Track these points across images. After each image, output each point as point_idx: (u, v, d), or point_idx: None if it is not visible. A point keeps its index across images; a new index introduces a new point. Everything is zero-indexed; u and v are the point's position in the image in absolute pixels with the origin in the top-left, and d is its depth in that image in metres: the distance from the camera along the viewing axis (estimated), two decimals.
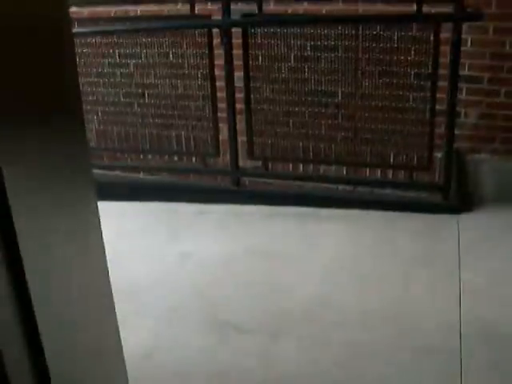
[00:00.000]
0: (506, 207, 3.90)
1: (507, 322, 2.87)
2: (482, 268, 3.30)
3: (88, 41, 4.25)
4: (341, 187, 4.32)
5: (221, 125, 4.21)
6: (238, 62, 4.00)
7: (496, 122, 4.13)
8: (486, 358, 2.65)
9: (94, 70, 4.34)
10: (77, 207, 1.82)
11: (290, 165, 4.43)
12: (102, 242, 1.95)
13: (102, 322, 2.03)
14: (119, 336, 2.08)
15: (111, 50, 4.26)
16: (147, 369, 2.65)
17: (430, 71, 3.73)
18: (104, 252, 1.97)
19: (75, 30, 4.00)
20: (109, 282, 1.98)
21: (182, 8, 4.29)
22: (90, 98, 4.39)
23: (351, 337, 2.83)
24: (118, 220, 3.86)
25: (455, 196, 3.95)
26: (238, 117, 4.13)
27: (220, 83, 4.10)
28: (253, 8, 3.94)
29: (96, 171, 4.54)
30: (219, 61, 4.05)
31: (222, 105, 4.15)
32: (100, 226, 1.90)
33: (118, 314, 2.17)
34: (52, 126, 1.53)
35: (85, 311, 1.87)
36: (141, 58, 4.22)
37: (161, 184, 4.41)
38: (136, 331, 2.86)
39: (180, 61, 4.12)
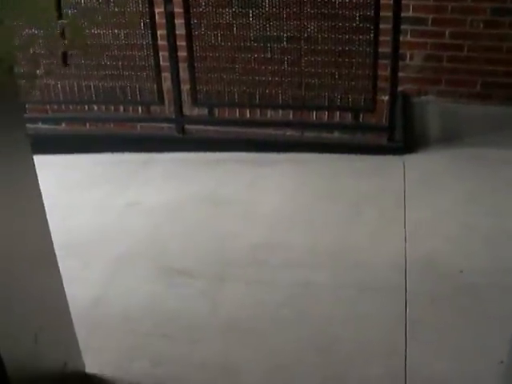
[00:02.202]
0: (450, 147, 3.98)
1: (450, 258, 2.97)
2: (426, 206, 3.39)
3: None
4: (288, 132, 4.33)
5: (166, 74, 4.16)
6: (179, 10, 3.94)
7: (441, 63, 4.15)
8: (429, 292, 2.74)
9: None
10: (11, 160, 1.80)
11: (237, 111, 4.41)
12: (40, 195, 1.94)
13: (43, 272, 2.03)
14: (62, 283, 2.08)
15: None
16: (95, 317, 2.67)
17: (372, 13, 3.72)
18: (42, 204, 1.96)
19: None
20: (48, 231, 1.97)
21: None
22: (32, 51, 4.27)
23: (299, 277, 2.88)
24: (64, 173, 3.82)
25: (401, 137, 4.01)
26: (183, 65, 4.08)
27: (162, 31, 4.04)
28: None
29: (41, 125, 4.47)
30: (160, 8, 3.98)
31: (166, 53, 4.09)
32: (37, 178, 1.89)
33: (65, 266, 2.18)
34: None
35: (24, 264, 1.87)
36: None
37: (107, 135, 4.35)
38: (83, 282, 2.87)
39: (121, 9, 4.03)
